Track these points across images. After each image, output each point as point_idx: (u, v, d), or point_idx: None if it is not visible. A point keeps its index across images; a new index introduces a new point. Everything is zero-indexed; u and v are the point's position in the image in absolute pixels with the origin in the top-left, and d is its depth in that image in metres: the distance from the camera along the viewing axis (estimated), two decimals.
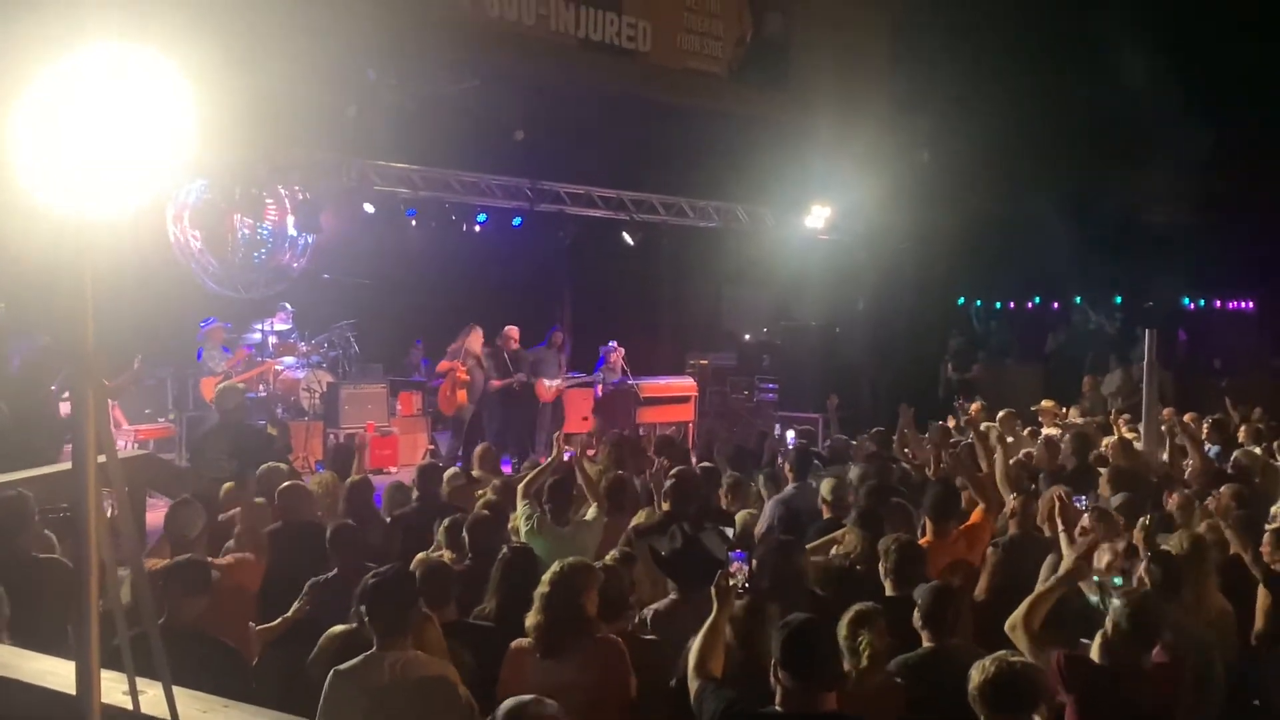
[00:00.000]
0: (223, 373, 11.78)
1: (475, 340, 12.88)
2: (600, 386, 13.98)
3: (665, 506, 6.52)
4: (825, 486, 6.81)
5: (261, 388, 12.46)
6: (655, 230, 15.54)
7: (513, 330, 13.33)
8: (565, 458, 7.05)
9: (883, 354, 16.19)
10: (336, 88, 10.89)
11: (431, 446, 13.05)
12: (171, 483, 7.44)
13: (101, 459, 2.50)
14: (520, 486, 6.76)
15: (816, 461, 8.36)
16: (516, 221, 14.65)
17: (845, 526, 6.06)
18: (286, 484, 6.58)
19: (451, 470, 7.79)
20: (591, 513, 6.58)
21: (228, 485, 7.01)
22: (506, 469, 11.11)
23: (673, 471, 7.08)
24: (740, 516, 6.79)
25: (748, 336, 18.27)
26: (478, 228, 14.63)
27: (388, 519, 7.08)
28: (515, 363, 13.15)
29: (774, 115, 13.91)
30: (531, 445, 13.09)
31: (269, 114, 10.14)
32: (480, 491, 7.20)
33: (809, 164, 14.67)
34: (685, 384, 14.82)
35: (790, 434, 13.13)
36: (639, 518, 6.54)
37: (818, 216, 15.96)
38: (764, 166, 14.54)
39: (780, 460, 9.21)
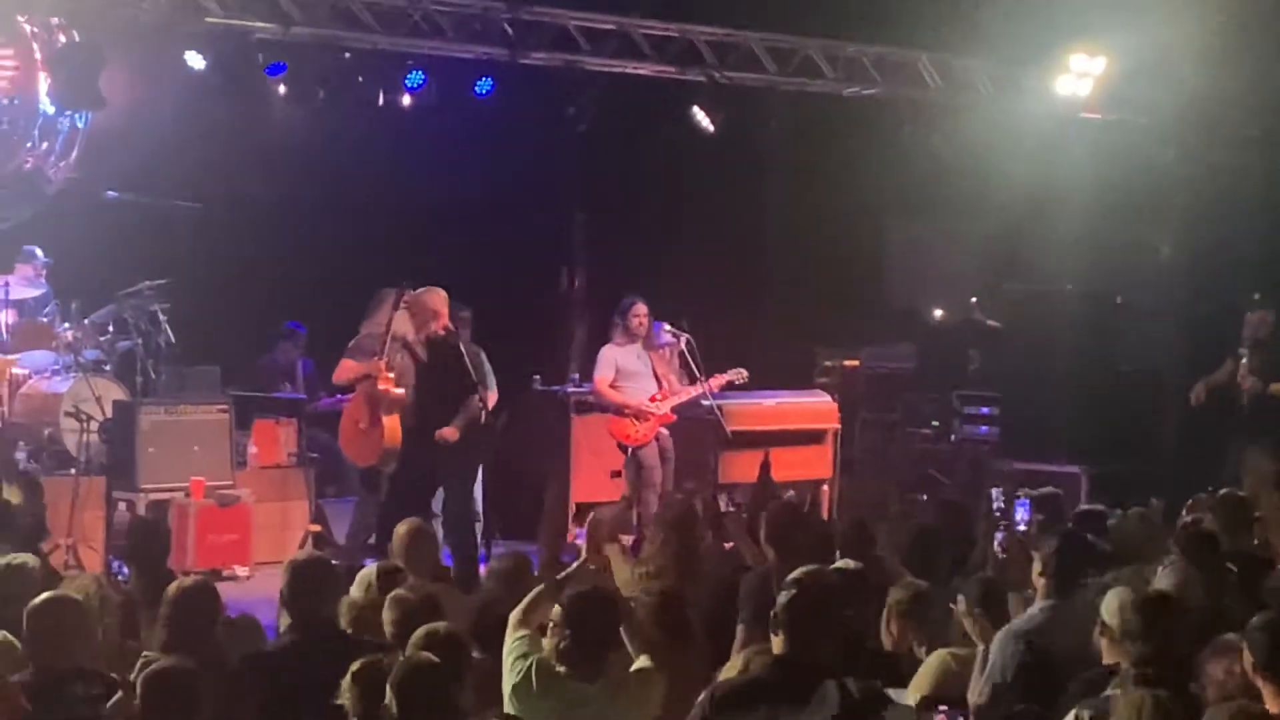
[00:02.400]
0: None
1: (402, 318, 12.91)
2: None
3: (778, 645, 6.52)
4: (1110, 605, 6.75)
5: None
6: (755, 104, 15.65)
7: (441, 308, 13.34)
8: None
9: (1204, 345, 16.05)
10: None
11: (317, 527, 13.23)
12: None
13: None
14: (519, 609, 6.83)
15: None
16: (483, 87, 14.90)
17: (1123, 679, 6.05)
18: (42, 601, 6.65)
19: (363, 570, 7.85)
20: (645, 659, 6.71)
21: None
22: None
23: (793, 578, 7.06)
24: (931, 665, 6.76)
25: (939, 314, 18.19)
26: (407, 99, 14.81)
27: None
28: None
29: None
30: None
31: None
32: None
33: None
34: (815, 405, 14.92)
35: (1023, 502, 13.08)
36: (729, 668, 6.59)
37: (1080, 76, 15.88)
38: None
39: (1001, 550, 9.18)
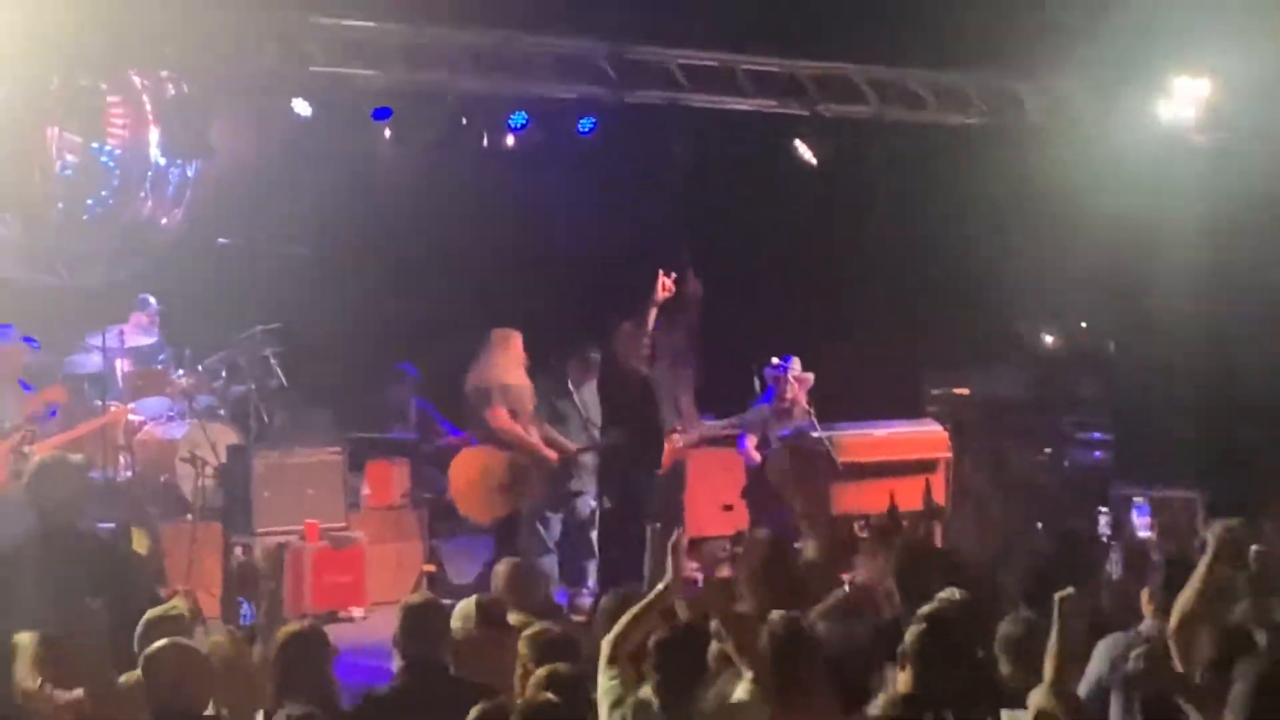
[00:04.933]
0: (21, 431, 12.05)
1: (507, 358, 12.96)
2: (753, 441, 14.05)
3: (905, 682, 6.44)
4: None
5: (109, 459, 12.72)
6: (858, 135, 15.61)
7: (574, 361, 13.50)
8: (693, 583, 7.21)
9: None
10: None
11: (431, 567, 13.25)
12: None
13: None
14: (606, 642, 6.75)
15: None
16: (585, 125, 14.93)
17: None
18: (163, 648, 6.66)
19: (463, 603, 7.83)
20: (742, 690, 6.61)
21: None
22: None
23: (923, 613, 6.96)
24: (1035, 701, 6.64)
25: (1049, 339, 18.00)
26: (512, 139, 14.89)
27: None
28: (625, 389, 13.33)
29: None
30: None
31: None
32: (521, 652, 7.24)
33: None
34: (925, 435, 14.81)
35: (1141, 508, 13.02)
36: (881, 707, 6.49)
37: (1185, 100, 15.66)
38: (1071, 7, 14.35)
39: (1115, 570, 9.10)
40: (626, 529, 13.60)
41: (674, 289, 14.01)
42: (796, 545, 11.27)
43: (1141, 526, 12.57)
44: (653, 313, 13.88)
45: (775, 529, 12.02)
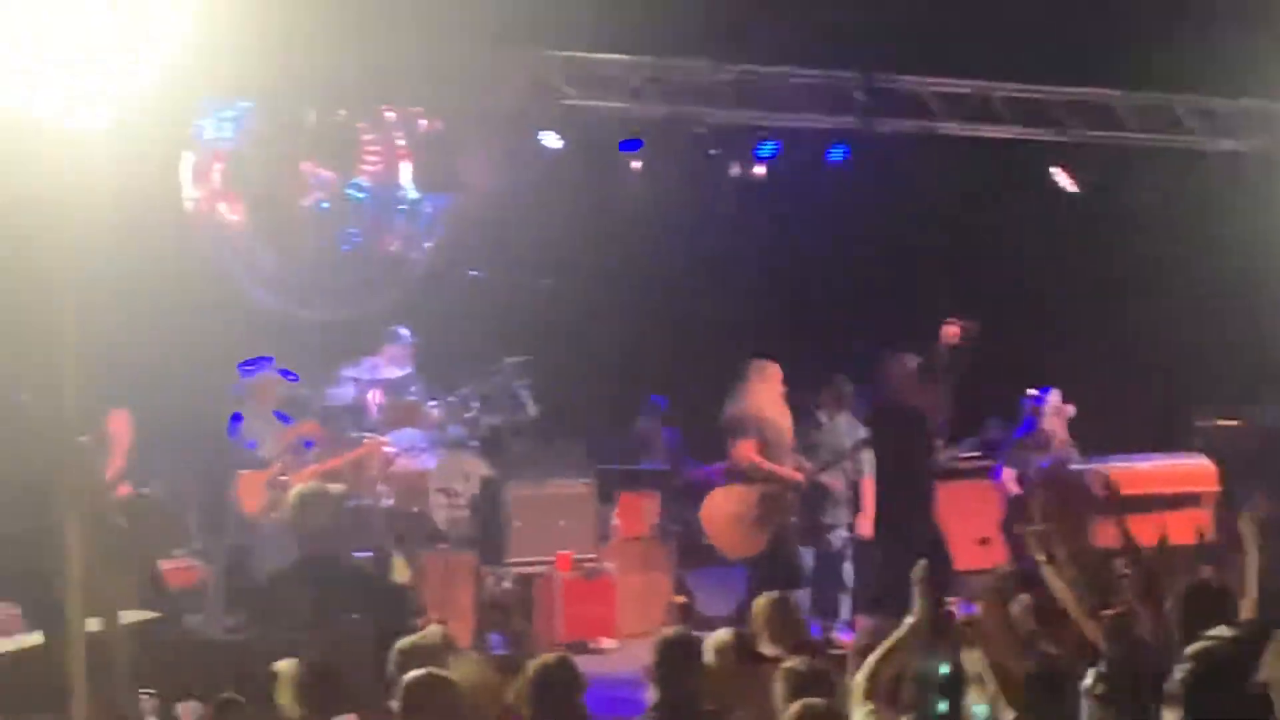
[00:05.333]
0: (280, 461, 12.26)
1: (765, 390, 12.85)
2: (1012, 473, 13.90)
3: None
4: None
5: (363, 489, 12.93)
6: (1119, 161, 15.39)
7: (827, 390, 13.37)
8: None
9: None
10: None
11: (682, 599, 13.23)
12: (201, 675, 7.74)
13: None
14: (860, 678, 6.60)
15: None
16: (837, 153, 14.95)
17: None
18: (419, 677, 6.66)
19: (716, 635, 7.71)
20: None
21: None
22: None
23: (1192, 651, 6.69)
24: None
25: None
26: (760, 169, 14.90)
27: None
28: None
29: None
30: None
31: None
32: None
33: None
34: (1193, 468, 14.54)
35: None
36: None
37: None
38: None
39: None
40: (886, 561, 13.51)
41: (959, 335, 13.83)
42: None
43: None
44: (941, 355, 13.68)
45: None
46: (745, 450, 12.66)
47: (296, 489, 10.29)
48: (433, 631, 7.95)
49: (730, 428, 12.87)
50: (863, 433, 13.38)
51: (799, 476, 12.70)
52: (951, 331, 13.53)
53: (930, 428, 13.64)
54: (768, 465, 12.67)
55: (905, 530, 13.23)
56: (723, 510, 12.91)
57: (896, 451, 13.37)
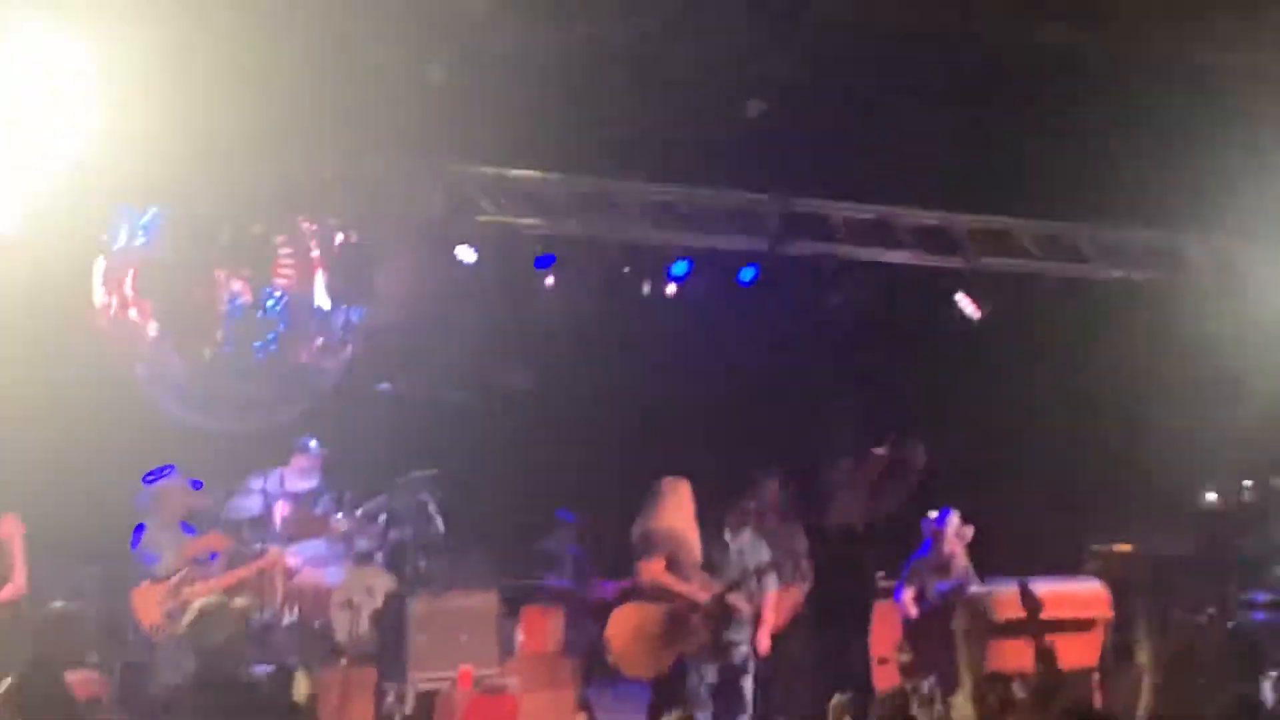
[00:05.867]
0: (178, 575, 12.18)
1: (675, 507, 12.92)
2: (910, 594, 14.03)
3: None
4: None
5: (266, 601, 12.87)
6: (1020, 290, 15.61)
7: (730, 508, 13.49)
8: None
9: None
10: (404, 39, 11.47)
11: (585, 716, 13.22)
12: None
13: None
14: None
15: None
16: (746, 274, 15.08)
17: None
18: None
19: None
20: None
21: None
22: None
23: None
24: None
25: (1212, 497, 17.71)
26: (672, 288, 15.03)
27: None
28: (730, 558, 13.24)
29: (1262, 63, 13.64)
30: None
31: (280, 90, 10.70)
32: None
33: None
34: (1085, 592, 14.54)
35: None
36: None
37: None
38: (1243, 162, 14.26)
39: None
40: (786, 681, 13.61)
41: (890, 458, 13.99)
42: (949, 700, 11.20)
43: None
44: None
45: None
46: (653, 569, 12.69)
47: (196, 603, 10.20)
48: None
49: (639, 545, 12.90)
50: (766, 552, 13.48)
51: (705, 596, 12.73)
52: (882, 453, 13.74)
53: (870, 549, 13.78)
54: (675, 584, 12.70)
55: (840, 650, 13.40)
56: (628, 628, 12.90)
57: (836, 571, 13.51)
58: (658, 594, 12.76)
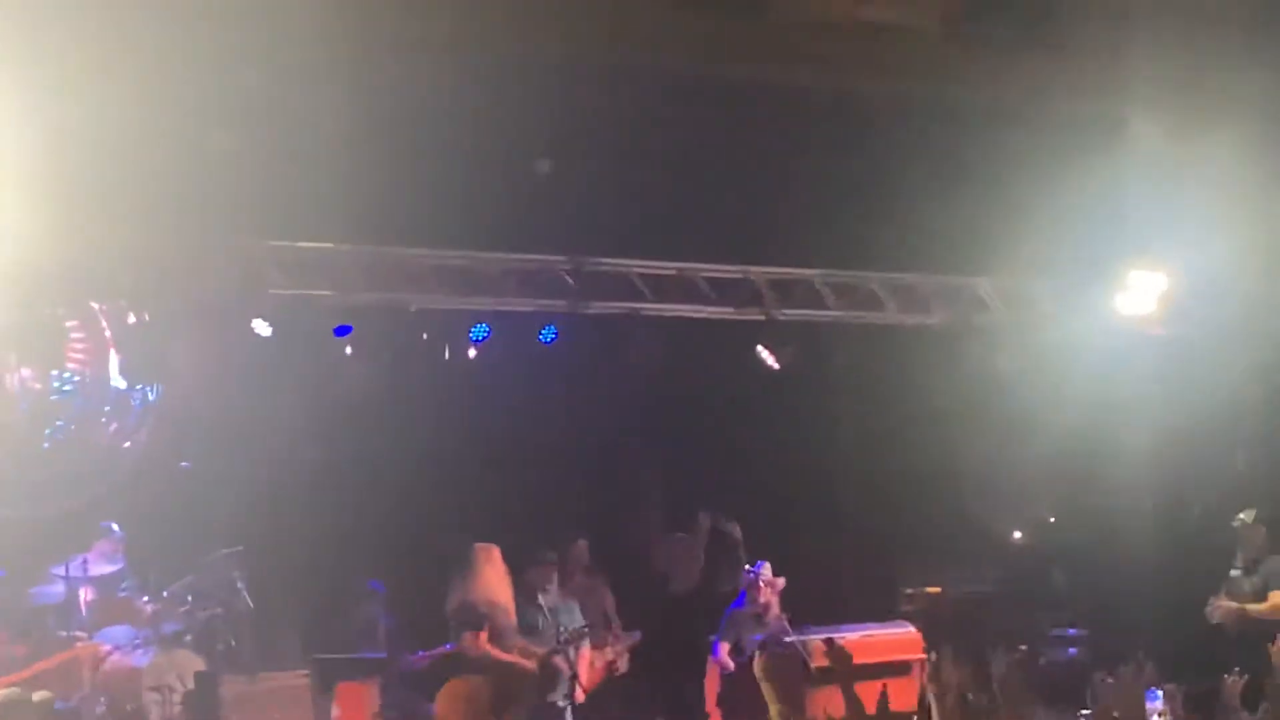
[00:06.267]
0: None
1: (491, 575, 12.90)
2: (726, 648, 14.08)
3: None
4: None
5: (73, 690, 12.58)
6: (817, 338, 15.78)
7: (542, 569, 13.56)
8: None
9: None
10: (188, 112, 11.33)
11: None
12: None
13: None
14: None
15: None
16: (547, 334, 15.16)
17: None
18: None
19: None
20: None
21: None
22: None
23: None
24: None
25: (1018, 535, 18.01)
26: (473, 351, 15.03)
27: None
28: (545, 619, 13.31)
29: (1041, 105, 14.02)
30: None
31: (63, 170, 10.56)
32: None
33: (1122, 191, 14.65)
34: (899, 637, 14.75)
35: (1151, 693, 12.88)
36: None
37: (1142, 293, 15.85)
38: (1028, 201, 14.53)
39: None
40: None
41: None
42: None
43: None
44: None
45: None
46: (477, 641, 12.63)
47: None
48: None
49: (459, 615, 12.83)
50: (578, 613, 13.51)
51: (530, 664, 12.71)
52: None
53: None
54: (500, 655, 12.66)
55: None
56: (458, 702, 12.80)
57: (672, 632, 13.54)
58: (483, 664, 12.70)
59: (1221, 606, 13.83)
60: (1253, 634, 13.15)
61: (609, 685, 14.22)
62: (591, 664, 14.01)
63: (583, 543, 14.79)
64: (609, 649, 14.35)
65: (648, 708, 14.72)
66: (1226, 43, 14.28)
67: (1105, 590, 15.42)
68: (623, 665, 14.57)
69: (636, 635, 14.80)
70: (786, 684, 13.66)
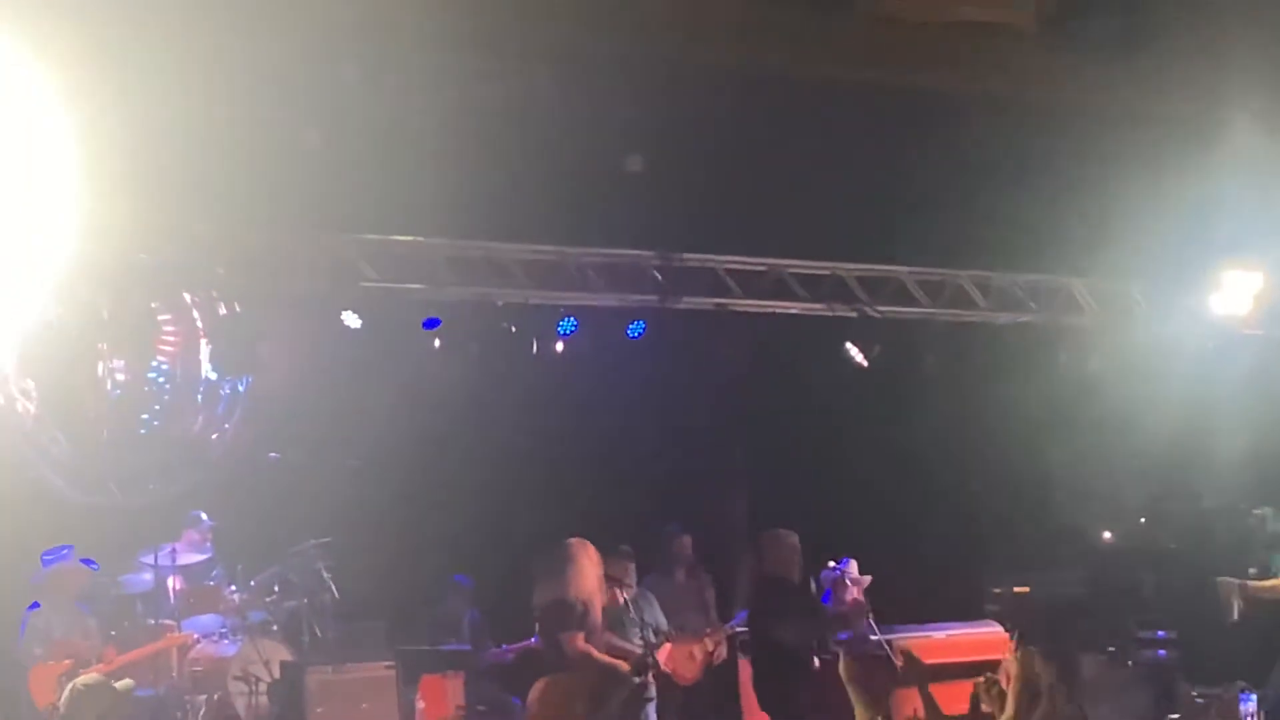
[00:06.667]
0: (69, 657, 12.08)
1: (586, 571, 12.90)
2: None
3: None
4: None
5: (161, 679, 12.78)
6: (908, 335, 15.77)
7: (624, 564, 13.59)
8: None
9: None
10: (279, 108, 11.46)
11: None
12: None
13: None
14: None
15: None
16: (635, 330, 15.18)
17: None
18: None
19: None
20: None
21: None
22: None
23: None
24: None
25: (1108, 535, 17.86)
26: (561, 345, 15.06)
27: None
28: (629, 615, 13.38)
29: (1136, 105, 13.89)
30: None
31: (155, 163, 10.65)
32: None
33: (1216, 191, 14.51)
34: (986, 636, 14.57)
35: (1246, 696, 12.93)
36: None
37: (1234, 294, 15.69)
38: (1122, 202, 14.44)
39: None
40: None
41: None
42: None
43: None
44: None
45: None
46: (575, 641, 12.63)
47: (72, 683, 10.18)
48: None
49: (554, 613, 12.82)
50: (657, 605, 13.53)
51: (626, 666, 12.73)
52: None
53: (811, 604, 13.79)
54: (599, 655, 12.67)
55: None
56: (553, 702, 12.86)
57: (780, 627, 13.48)
58: (578, 663, 12.72)
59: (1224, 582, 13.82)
60: None
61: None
62: (691, 655, 14.08)
63: (687, 538, 14.81)
64: (708, 639, 14.44)
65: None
66: None
67: (1195, 594, 15.22)
68: (722, 654, 14.66)
69: (733, 623, 14.84)
70: (872, 686, 13.64)
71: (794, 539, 13.87)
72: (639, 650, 13.01)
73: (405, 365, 14.60)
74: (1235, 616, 13.76)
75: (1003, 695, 11.99)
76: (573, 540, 12.93)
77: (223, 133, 11.41)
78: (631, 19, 12.00)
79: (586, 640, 12.59)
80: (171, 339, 14.40)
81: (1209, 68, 13.89)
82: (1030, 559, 17.13)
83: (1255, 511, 14.71)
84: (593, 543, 13.24)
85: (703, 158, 13.50)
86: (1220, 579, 13.85)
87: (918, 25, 13.12)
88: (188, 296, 13.83)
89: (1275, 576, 14.06)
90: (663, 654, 13.36)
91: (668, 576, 14.71)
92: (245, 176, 11.89)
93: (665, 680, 13.82)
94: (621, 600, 13.35)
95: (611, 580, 13.38)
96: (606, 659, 12.66)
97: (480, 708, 13.90)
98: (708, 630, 14.60)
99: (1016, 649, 14.54)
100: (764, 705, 13.63)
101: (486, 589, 14.96)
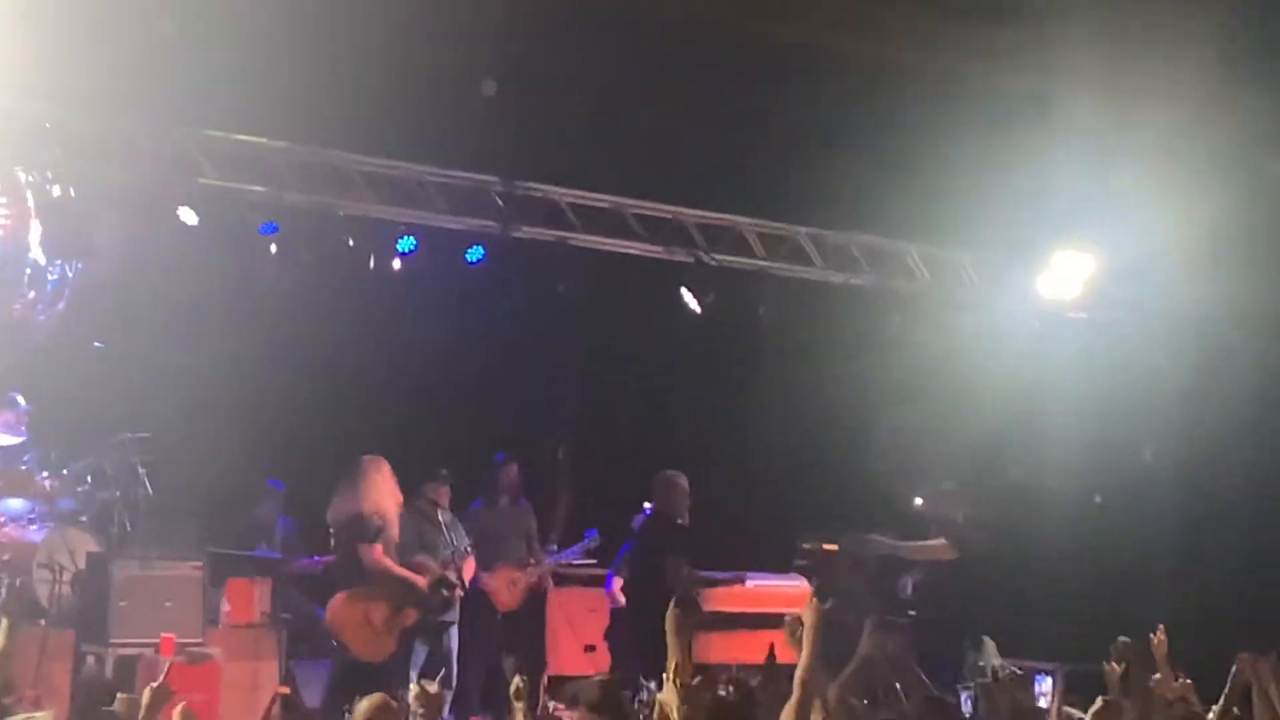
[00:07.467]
0: None
1: (380, 485, 12.97)
2: (619, 584, 14.30)
3: None
4: None
5: None
6: (743, 286, 15.87)
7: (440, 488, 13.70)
8: None
9: (1194, 550, 16.04)
10: None
11: (286, 689, 13.17)
12: None
13: None
14: None
15: None
16: (474, 255, 15.17)
17: None
18: None
19: None
20: None
21: None
22: None
23: None
24: None
25: (919, 502, 18.13)
26: (398, 262, 15.01)
27: None
28: (442, 537, 13.44)
29: (991, 78, 14.13)
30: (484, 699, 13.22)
31: (6, 37, 10.56)
32: None
33: (1051, 174, 14.81)
34: (791, 589, 14.85)
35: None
36: None
37: (1065, 275, 16.01)
38: (961, 172, 14.65)
39: None
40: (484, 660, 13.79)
41: None
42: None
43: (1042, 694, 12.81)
44: None
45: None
46: (374, 554, 12.71)
47: None
48: (36, 717, 7.83)
49: (350, 527, 12.90)
50: (463, 531, 13.65)
51: (424, 581, 12.82)
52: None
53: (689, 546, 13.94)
54: (398, 570, 12.76)
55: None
56: (355, 615, 12.91)
57: (656, 562, 13.59)
58: (378, 577, 12.80)
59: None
60: None
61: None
62: (513, 582, 14.17)
63: (513, 467, 14.81)
64: (531, 570, 14.52)
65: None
66: (1160, 24, 14.41)
67: (999, 568, 15.48)
68: (547, 584, 14.79)
69: (559, 558, 15.00)
70: (679, 626, 13.83)
71: (683, 480, 14.06)
72: (440, 570, 13.12)
73: (239, 268, 14.51)
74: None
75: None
76: (365, 456, 13.02)
77: (73, 13, 11.29)
78: None
79: (385, 554, 12.71)
80: (2, 215, 14.18)
81: (1064, 50, 14.15)
82: (845, 519, 17.31)
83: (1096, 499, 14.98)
84: (416, 465, 13.35)
85: (556, 91, 13.56)
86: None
87: None
88: (22, 175, 13.60)
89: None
90: (470, 572, 13.42)
91: (493, 504, 14.74)
92: (91, 59, 11.78)
93: (484, 603, 13.99)
94: (437, 522, 13.43)
95: (427, 502, 13.47)
96: (404, 572, 12.78)
97: (285, 615, 13.85)
98: (531, 560, 14.67)
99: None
100: (633, 630, 13.74)
101: (302, 499, 14.92)
